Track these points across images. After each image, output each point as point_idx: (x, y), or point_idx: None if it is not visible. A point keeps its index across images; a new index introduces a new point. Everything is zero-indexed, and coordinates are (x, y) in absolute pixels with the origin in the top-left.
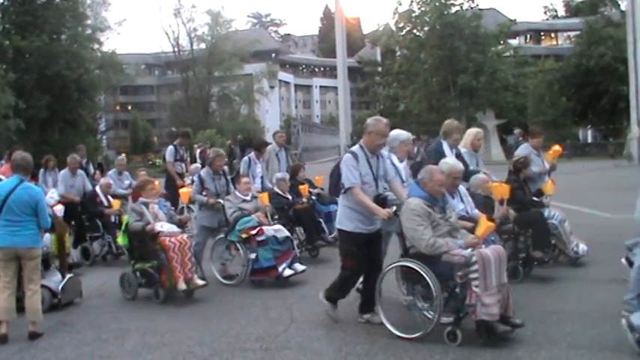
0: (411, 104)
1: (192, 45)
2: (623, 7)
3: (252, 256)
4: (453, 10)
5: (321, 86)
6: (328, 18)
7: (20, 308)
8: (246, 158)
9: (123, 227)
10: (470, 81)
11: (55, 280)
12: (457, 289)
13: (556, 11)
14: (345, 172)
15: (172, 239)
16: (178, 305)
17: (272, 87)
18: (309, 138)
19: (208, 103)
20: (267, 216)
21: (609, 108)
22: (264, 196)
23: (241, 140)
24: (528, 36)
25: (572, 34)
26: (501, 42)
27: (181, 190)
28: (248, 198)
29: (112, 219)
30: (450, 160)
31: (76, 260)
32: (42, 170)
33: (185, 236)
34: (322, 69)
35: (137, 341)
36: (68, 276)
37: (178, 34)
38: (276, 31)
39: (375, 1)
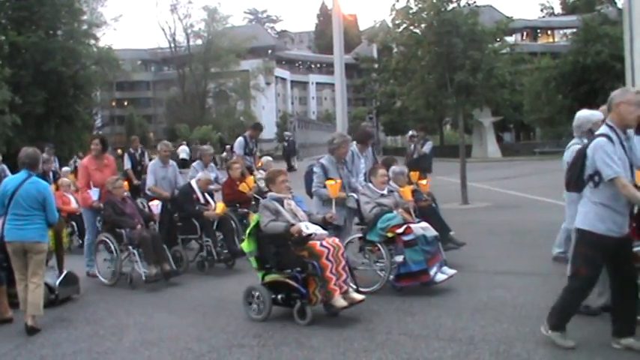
0: (408, 101)
1: (188, 41)
2: (619, 4)
3: (399, 258)
4: (450, 6)
5: (317, 83)
6: (325, 14)
7: (15, 304)
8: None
9: (250, 229)
10: (467, 78)
11: (53, 276)
12: None
13: (552, 9)
14: (601, 161)
15: (324, 243)
16: (175, 301)
17: (268, 83)
18: (305, 134)
19: (204, 100)
20: (410, 213)
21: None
22: (407, 190)
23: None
24: (525, 33)
25: (568, 31)
26: (498, 39)
27: (329, 183)
28: (385, 192)
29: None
30: None
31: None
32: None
33: (337, 239)
34: (318, 65)
35: (135, 337)
36: (66, 272)
37: (175, 30)
38: (272, 28)
39: None
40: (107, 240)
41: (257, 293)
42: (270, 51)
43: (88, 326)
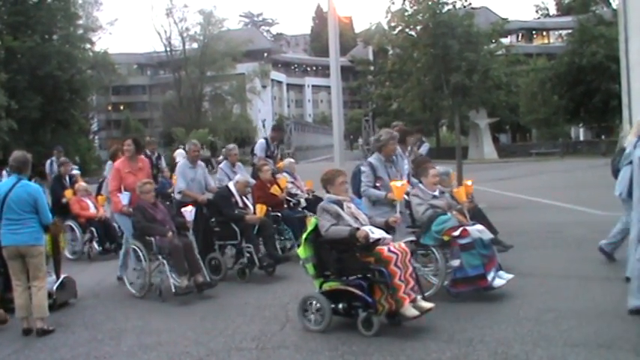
0: (404, 103)
1: (184, 45)
2: (614, 5)
3: (456, 263)
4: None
5: (313, 85)
6: (320, 17)
7: (11, 309)
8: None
9: (307, 234)
10: (462, 80)
11: (50, 281)
12: None
13: (548, 10)
14: None
15: (392, 248)
16: (174, 305)
17: (264, 86)
18: (301, 137)
19: (201, 103)
20: (464, 214)
21: (601, 106)
22: (461, 191)
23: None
24: (520, 35)
25: (564, 32)
26: (494, 41)
27: (393, 184)
28: (436, 193)
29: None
30: None
31: (207, 278)
32: (109, 162)
33: (403, 244)
34: (314, 68)
35: (133, 341)
36: (63, 276)
37: (170, 33)
38: (268, 31)
39: (368, 0)
40: (136, 248)
41: (315, 303)
42: (265, 54)
43: (86, 331)
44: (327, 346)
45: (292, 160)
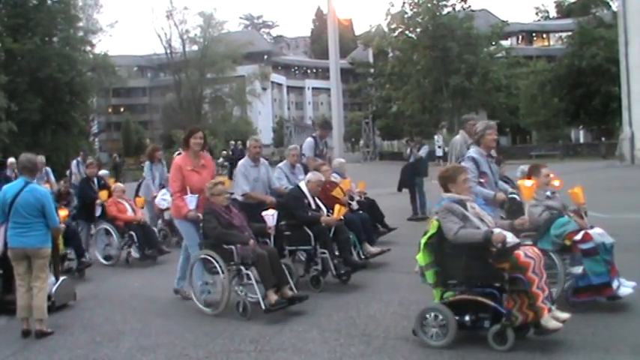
0: (404, 105)
1: (184, 47)
2: (614, 7)
3: (578, 270)
4: (445, 11)
5: (313, 88)
6: (320, 19)
7: (11, 311)
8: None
9: (426, 238)
10: (462, 82)
11: (49, 283)
12: None
13: (548, 12)
14: None
15: (529, 253)
16: (172, 307)
17: (264, 89)
18: (301, 139)
19: (201, 105)
20: (582, 217)
21: (601, 108)
22: (577, 192)
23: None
24: (520, 37)
25: (563, 34)
26: (493, 43)
27: (522, 183)
28: (549, 193)
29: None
30: None
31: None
32: (148, 163)
33: (536, 249)
34: (314, 70)
35: (131, 343)
36: (62, 278)
37: (170, 36)
38: (268, 33)
39: (368, 3)
40: (211, 259)
41: (436, 315)
42: (266, 56)
43: (84, 332)
44: (325, 348)
45: (342, 160)
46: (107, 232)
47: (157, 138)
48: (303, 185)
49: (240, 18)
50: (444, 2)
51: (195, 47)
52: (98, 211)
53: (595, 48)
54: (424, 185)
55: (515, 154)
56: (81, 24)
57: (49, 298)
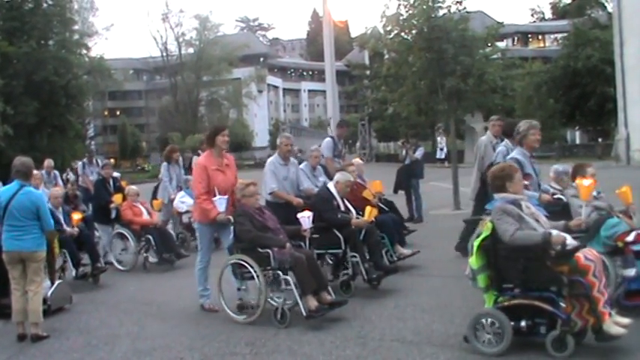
0: (399, 107)
1: (180, 50)
2: (609, 8)
3: (631, 272)
4: (441, 13)
5: (309, 90)
6: (316, 22)
7: (6, 315)
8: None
9: (479, 240)
10: (458, 83)
11: (45, 286)
12: None
13: (543, 13)
14: None
15: (589, 256)
16: (168, 310)
17: (260, 91)
18: (298, 142)
19: (197, 108)
20: (631, 217)
21: (597, 109)
22: (626, 192)
23: None
24: (516, 38)
25: (559, 36)
26: (489, 44)
27: (580, 182)
28: (595, 194)
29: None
30: None
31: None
32: (165, 164)
33: (595, 251)
34: (310, 73)
35: (127, 347)
36: (57, 282)
37: (166, 38)
38: (264, 36)
39: (363, 5)
40: (245, 264)
41: (491, 321)
42: (262, 59)
43: (80, 336)
44: (321, 350)
45: (360, 160)
46: (123, 237)
47: (153, 141)
48: (331, 186)
49: (236, 20)
50: (440, 4)
51: (191, 50)
52: (113, 214)
53: (590, 49)
54: (420, 187)
55: None
56: (77, 27)
57: (45, 301)
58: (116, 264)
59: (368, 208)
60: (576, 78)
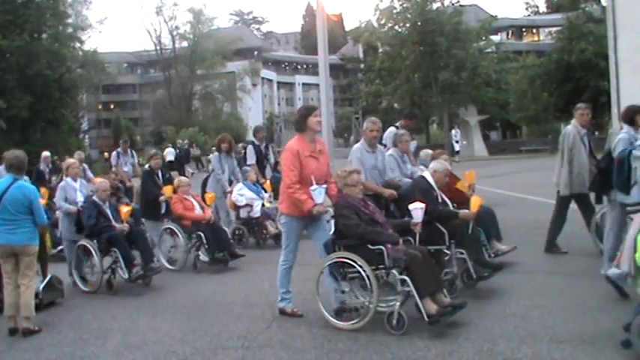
0: (393, 101)
1: (174, 43)
2: (603, 2)
3: None
4: (435, 6)
5: (303, 83)
6: (310, 15)
7: None
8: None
9: None
10: (451, 77)
11: (37, 281)
12: None
13: (537, 7)
14: None
15: None
16: (160, 304)
17: (254, 85)
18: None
19: (191, 102)
20: None
21: (590, 103)
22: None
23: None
24: (510, 32)
25: (553, 29)
26: (483, 38)
27: None
28: None
29: None
30: None
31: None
32: (216, 154)
33: None
34: (305, 66)
35: (119, 341)
36: (49, 276)
37: (160, 32)
38: (258, 29)
39: None
40: (352, 262)
41: None
42: (256, 52)
43: (72, 330)
44: (312, 344)
45: (429, 151)
46: (172, 233)
47: (147, 134)
48: (428, 175)
49: (230, 14)
50: None
51: (185, 43)
52: (163, 208)
53: (584, 43)
54: None
55: (506, 149)
56: (70, 20)
57: (37, 295)
58: (165, 263)
59: (474, 199)
60: (570, 72)
